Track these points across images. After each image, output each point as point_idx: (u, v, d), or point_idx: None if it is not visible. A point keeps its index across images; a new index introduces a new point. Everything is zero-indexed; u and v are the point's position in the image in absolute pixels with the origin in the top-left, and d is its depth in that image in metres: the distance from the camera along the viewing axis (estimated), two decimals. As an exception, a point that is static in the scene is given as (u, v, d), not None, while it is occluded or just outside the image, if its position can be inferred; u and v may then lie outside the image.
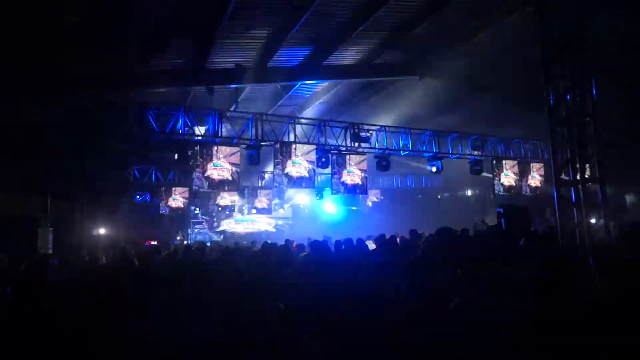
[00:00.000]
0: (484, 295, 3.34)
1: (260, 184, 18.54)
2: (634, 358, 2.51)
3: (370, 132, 12.21)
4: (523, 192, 14.21)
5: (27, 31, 8.11)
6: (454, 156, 13.67)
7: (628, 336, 2.71)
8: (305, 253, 7.64)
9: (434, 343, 2.81)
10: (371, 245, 7.99)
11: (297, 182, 11.47)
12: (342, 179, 12.13)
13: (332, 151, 11.96)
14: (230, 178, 10.86)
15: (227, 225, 21.05)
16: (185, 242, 17.95)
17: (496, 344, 2.75)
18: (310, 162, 11.51)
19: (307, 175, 11.47)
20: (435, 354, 2.76)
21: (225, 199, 17.97)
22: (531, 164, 14.55)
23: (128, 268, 6.34)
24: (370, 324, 3.11)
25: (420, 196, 22.91)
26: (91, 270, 7.35)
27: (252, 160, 10.95)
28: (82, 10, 7.80)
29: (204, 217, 20.38)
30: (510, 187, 14.02)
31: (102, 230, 17.87)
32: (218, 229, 20.71)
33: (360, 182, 12.38)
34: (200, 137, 10.57)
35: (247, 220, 21.12)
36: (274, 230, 20.82)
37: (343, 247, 7.02)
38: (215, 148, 10.66)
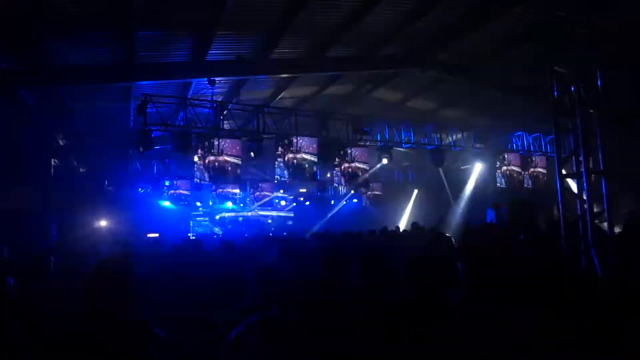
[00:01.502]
0: (485, 290, 3.33)
1: (261, 177, 18.53)
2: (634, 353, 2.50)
3: (372, 124, 12.16)
4: (525, 185, 14.18)
5: (27, 22, 8.06)
6: (456, 149, 13.63)
7: (630, 331, 2.70)
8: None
9: (432, 336, 2.79)
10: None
11: (298, 174, 11.45)
12: (344, 172, 12.11)
13: (333, 144, 11.93)
14: (231, 170, 10.85)
15: (228, 217, 21.10)
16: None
17: (496, 340, 2.73)
18: (312, 154, 11.48)
19: (308, 168, 11.44)
20: (434, 349, 2.74)
21: (227, 191, 17.99)
22: (533, 157, 14.51)
23: (130, 260, 6.34)
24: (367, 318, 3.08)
25: (416, 190, 22.80)
26: (94, 262, 7.35)
27: (254, 152, 10.92)
28: (83, 1, 7.75)
29: (204, 209, 20.41)
30: (512, 179, 13.99)
31: (104, 223, 17.90)
32: (219, 221, 20.75)
33: (361, 175, 12.37)
34: (201, 129, 10.54)
35: (248, 213, 21.19)
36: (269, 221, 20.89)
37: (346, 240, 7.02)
38: (216, 140, 10.63)
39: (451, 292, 3.01)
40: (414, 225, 9.00)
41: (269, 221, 20.96)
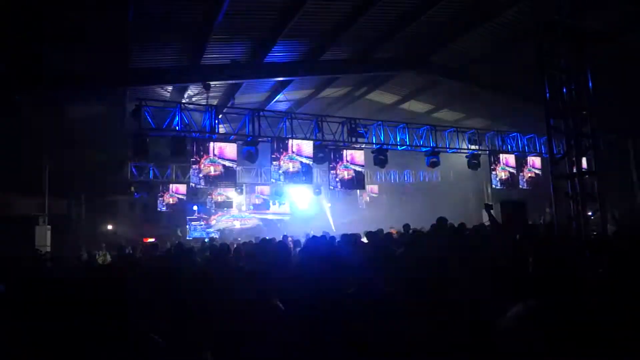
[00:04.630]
0: (480, 289, 3.35)
1: (257, 180, 18.52)
2: (632, 350, 2.51)
3: (367, 127, 12.18)
4: (520, 186, 14.23)
5: (24, 28, 8.06)
6: (451, 150, 13.67)
7: (626, 329, 2.72)
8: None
9: (427, 336, 2.81)
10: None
11: (294, 177, 11.46)
12: (339, 174, 12.12)
13: (329, 146, 11.94)
14: (227, 174, 10.84)
15: (224, 221, 21.07)
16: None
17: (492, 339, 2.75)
18: (307, 157, 11.49)
19: (304, 170, 11.45)
20: (430, 349, 2.76)
21: (222, 195, 17.97)
22: (528, 158, 14.57)
23: (127, 266, 6.33)
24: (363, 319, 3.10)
25: (415, 191, 22.82)
26: (89, 269, 7.34)
27: (249, 156, 10.91)
28: (80, 7, 7.76)
29: (199, 214, 20.37)
30: (507, 180, 14.04)
31: (100, 229, 17.88)
32: (215, 226, 20.73)
33: (357, 177, 12.39)
34: (196, 134, 10.54)
35: (243, 217, 21.19)
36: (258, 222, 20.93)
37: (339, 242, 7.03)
38: (211, 144, 10.63)
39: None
40: (405, 227, 9.01)
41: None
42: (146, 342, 2.39)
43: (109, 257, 11.99)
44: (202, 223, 20.48)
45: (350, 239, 6.62)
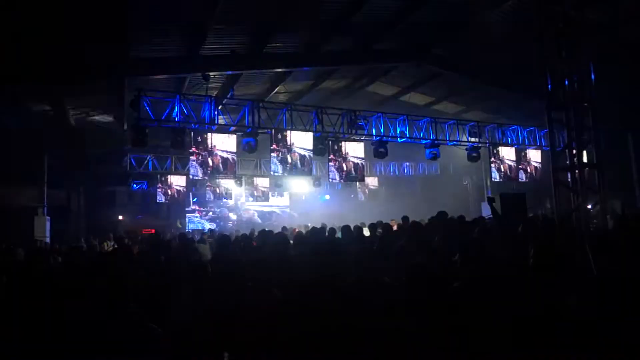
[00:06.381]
0: (482, 280, 3.34)
1: (256, 172, 18.49)
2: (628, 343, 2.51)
3: (367, 119, 12.14)
4: (520, 179, 14.22)
5: (20, 21, 7.98)
6: (452, 143, 13.64)
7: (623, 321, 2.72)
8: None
9: (431, 329, 2.81)
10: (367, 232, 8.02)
11: (293, 169, 11.43)
12: (339, 166, 12.10)
13: (328, 138, 11.91)
14: (226, 166, 10.81)
15: (222, 213, 21.09)
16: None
17: (494, 330, 2.75)
18: (307, 149, 11.46)
19: (303, 162, 11.42)
20: (434, 341, 2.76)
21: (221, 187, 17.95)
22: (528, 150, 14.55)
23: (126, 256, 6.33)
24: (369, 310, 3.10)
25: (414, 183, 22.81)
26: (89, 258, 7.34)
27: (249, 148, 10.87)
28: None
29: (195, 205, 20.38)
30: (507, 173, 14.03)
31: (99, 220, 17.88)
32: (212, 217, 20.75)
33: (357, 170, 12.37)
34: (196, 125, 10.49)
35: (242, 209, 21.21)
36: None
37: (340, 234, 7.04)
38: (211, 135, 10.59)
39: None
40: (404, 219, 9.05)
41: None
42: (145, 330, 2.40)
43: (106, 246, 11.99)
44: (197, 215, 20.49)
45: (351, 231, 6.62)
